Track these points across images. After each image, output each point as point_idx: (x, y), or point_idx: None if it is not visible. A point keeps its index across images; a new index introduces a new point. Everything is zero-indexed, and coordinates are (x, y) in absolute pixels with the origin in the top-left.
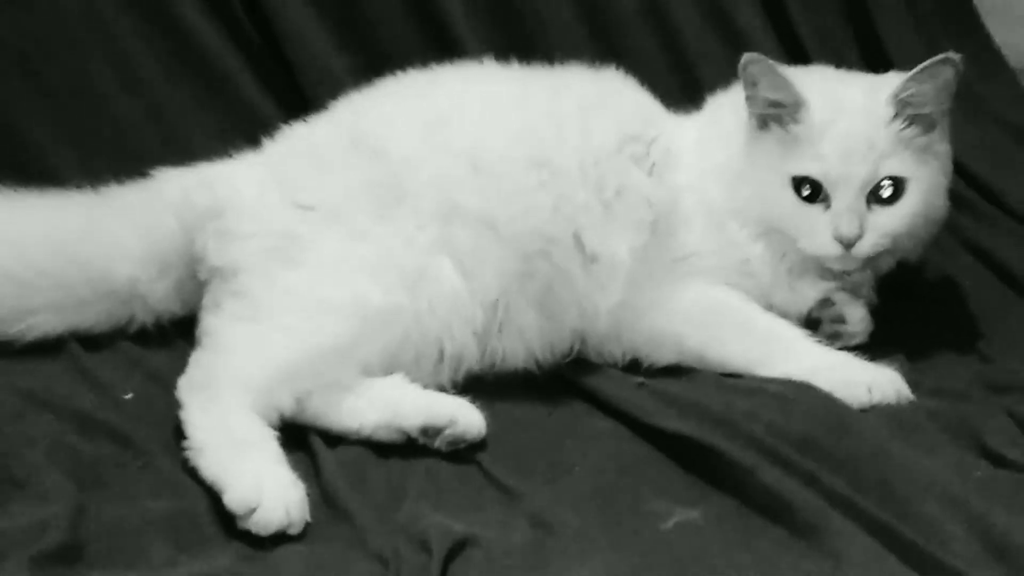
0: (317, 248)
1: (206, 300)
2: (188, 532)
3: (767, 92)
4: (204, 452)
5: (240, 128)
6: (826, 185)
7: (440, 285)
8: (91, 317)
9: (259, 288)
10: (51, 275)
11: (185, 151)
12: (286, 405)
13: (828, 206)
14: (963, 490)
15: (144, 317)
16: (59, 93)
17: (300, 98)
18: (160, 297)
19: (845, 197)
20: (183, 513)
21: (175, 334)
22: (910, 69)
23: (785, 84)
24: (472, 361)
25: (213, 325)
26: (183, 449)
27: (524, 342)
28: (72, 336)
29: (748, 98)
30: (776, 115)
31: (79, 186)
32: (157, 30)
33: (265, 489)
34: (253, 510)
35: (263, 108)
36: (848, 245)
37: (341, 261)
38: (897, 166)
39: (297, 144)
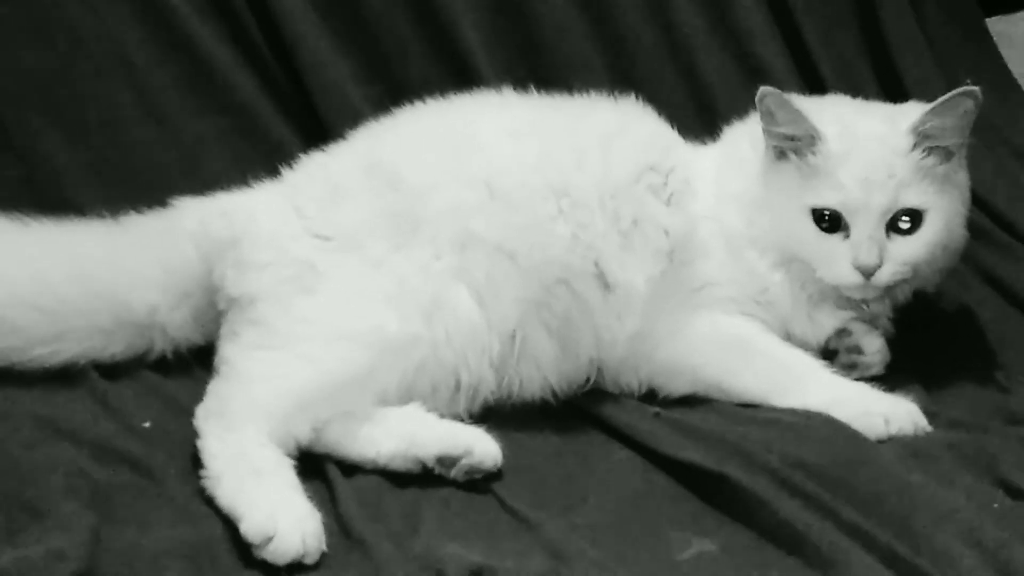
0: (334, 277)
1: (224, 329)
2: (204, 561)
3: (782, 125)
4: (221, 481)
5: (259, 157)
6: (845, 215)
7: (457, 314)
8: (110, 345)
9: (276, 317)
10: (70, 302)
11: (204, 180)
12: (303, 434)
13: (847, 235)
14: (980, 522)
15: (163, 345)
16: (80, 123)
17: (319, 127)
18: (179, 325)
19: (865, 226)
20: (200, 542)
21: (194, 363)
22: (928, 100)
23: (800, 117)
24: (489, 391)
25: (231, 354)
26: (200, 478)
27: (541, 372)
28: (91, 364)
29: (765, 130)
30: (793, 146)
31: (99, 215)
32: (177, 60)
33: (281, 518)
34: (269, 539)
35: (282, 137)
36: (868, 274)
37: (358, 290)
38: (916, 196)
39: (315, 173)
